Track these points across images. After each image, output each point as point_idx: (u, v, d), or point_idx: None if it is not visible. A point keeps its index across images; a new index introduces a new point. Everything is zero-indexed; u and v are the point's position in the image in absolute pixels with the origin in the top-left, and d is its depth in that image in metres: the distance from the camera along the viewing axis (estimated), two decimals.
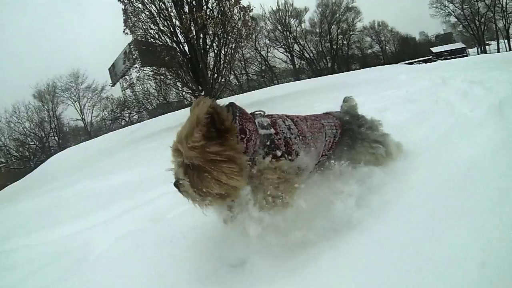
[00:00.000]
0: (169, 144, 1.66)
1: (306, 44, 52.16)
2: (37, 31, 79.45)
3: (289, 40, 51.04)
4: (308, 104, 8.44)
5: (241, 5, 14.91)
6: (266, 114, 1.81)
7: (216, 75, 15.78)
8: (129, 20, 14.82)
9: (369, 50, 55.66)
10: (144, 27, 15.02)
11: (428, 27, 65.29)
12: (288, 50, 51.80)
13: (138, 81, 44.41)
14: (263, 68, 51.52)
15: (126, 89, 52.39)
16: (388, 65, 35.29)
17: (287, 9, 48.12)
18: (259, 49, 48.21)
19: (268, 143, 1.67)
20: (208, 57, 15.63)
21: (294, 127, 1.79)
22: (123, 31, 15.17)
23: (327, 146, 2.00)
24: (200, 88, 15.26)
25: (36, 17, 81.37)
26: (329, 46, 52.61)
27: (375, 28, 53.05)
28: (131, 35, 15.27)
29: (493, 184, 1.72)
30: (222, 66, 15.85)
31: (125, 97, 49.91)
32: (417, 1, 72.41)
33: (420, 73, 11.60)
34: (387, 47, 54.63)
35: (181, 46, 15.30)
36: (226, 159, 1.53)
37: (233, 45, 15.66)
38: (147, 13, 14.79)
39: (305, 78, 41.59)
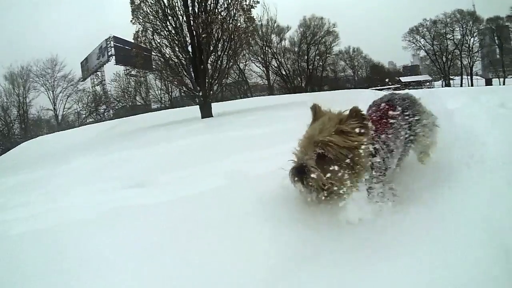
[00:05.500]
0: (299, 137, 1.89)
1: (284, 61, 53.71)
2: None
3: (268, 56, 52.41)
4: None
5: (249, 15, 15.54)
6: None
7: (216, 77, 16.17)
8: (138, 11, 14.94)
9: (342, 74, 58.00)
10: (153, 20, 15.14)
11: (397, 57, 69.23)
12: (265, 65, 53.20)
13: (118, 78, 43.02)
14: (238, 79, 52.32)
15: (97, 85, 50.98)
16: (361, 89, 37.31)
17: (270, 25, 49.41)
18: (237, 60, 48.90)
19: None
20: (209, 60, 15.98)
21: (384, 147, 2.02)
22: (131, 21, 15.22)
23: (403, 140, 2.23)
24: (198, 88, 15.53)
25: None
26: (305, 65, 54.41)
27: (350, 53, 55.82)
28: (139, 25, 15.29)
29: None
30: (223, 70, 16.29)
31: (94, 93, 48.85)
32: (392, 33, 76.83)
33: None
34: (359, 72, 57.47)
35: (185, 45, 15.57)
36: (361, 157, 1.78)
37: (237, 51, 16.20)
38: (154, 8, 14.96)
39: (278, 94, 42.88)
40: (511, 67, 50.45)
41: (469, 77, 50.57)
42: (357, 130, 1.79)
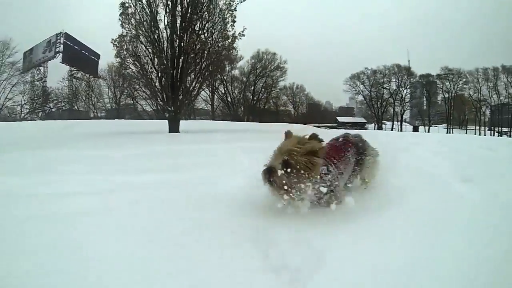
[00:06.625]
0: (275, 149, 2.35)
1: (231, 89, 55.78)
2: None
3: (216, 82, 53.97)
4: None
5: (232, 45, 16.73)
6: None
7: (188, 96, 16.85)
8: (128, 16, 15.31)
9: (282, 108, 61.28)
10: (141, 28, 15.54)
11: (334, 98, 74.98)
12: (211, 90, 54.72)
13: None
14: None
15: (37, 81, 47.16)
16: (300, 124, 39.95)
17: None
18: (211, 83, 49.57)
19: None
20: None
21: (335, 168, 2.53)
22: (120, 25, 15.47)
23: (351, 169, 2.83)
24: (171, 103, 16.05)
25: None
26: (249, 96, 56.98)
27: (293, 89, 59.89)
28: (125, 30, 15.56)
29: None
30: (196, 90, 17.13)
31: (34, 88, 44.80)
32: (336, 76, 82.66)
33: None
34: (299, 109, 61.32)
35: (167, 61, 16.02)
36: (313, 172, 2.24)
37: (213, 74, 17.24)
38: (144, 17, 15.49)
39: (218, 120, 43.86)
40: (435, 118, 61.48)
41: (399, 122, 59.19)
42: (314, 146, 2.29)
